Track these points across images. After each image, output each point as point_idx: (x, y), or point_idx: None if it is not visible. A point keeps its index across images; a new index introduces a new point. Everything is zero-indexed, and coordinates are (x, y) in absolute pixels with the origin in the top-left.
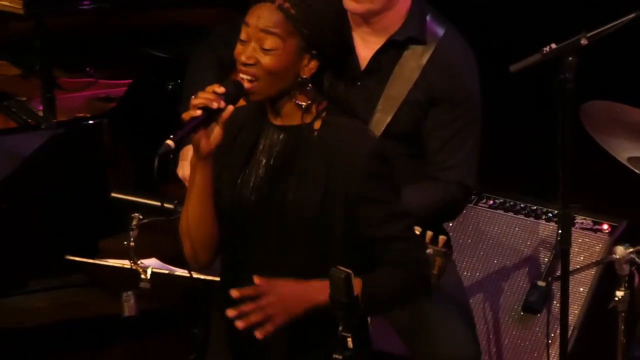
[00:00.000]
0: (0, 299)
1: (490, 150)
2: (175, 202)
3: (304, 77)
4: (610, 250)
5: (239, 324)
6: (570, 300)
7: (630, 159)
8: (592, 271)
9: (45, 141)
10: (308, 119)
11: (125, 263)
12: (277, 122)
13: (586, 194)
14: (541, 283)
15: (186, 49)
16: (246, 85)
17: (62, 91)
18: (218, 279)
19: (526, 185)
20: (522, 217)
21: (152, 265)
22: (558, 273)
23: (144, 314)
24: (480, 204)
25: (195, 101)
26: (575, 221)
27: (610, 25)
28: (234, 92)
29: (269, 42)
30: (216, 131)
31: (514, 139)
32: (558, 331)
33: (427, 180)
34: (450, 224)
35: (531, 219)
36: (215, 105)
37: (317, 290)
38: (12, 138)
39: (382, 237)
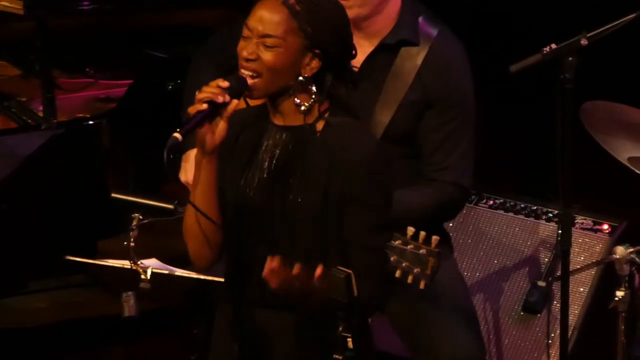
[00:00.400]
0: (1, 300)
1: (490, 150)
2: (175, 202)
3: (305, 76)
4: (610, 251)
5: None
6: (570, 301)
7: (630, 159)
8: (593, 271)
9: (45, 141)
10: (310, 120)
11: (125, 263)
12: (280, 122)
13: (586, 194)
14: (541, 283)
15: (186, 50)
16: (249, 81)
17: (62, 92)
18: (218, 279)
19: (526, 186)
20: (522, 217)
21: (152, 265)
22: (558, 273)
23: (144, 314)
24: (481, 204)
25: (200, 95)
26: (576, 221)
27: (610, 25)
28: (238, 87)
29: (271, 40)
30: (221, 126)
31: (514, 139)
32: (558, 331)
33: (423, 182)
34: (451, 224)
35: (531, 219)
36: (220, 99)
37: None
38: (12, 138)
39: (358, 244)
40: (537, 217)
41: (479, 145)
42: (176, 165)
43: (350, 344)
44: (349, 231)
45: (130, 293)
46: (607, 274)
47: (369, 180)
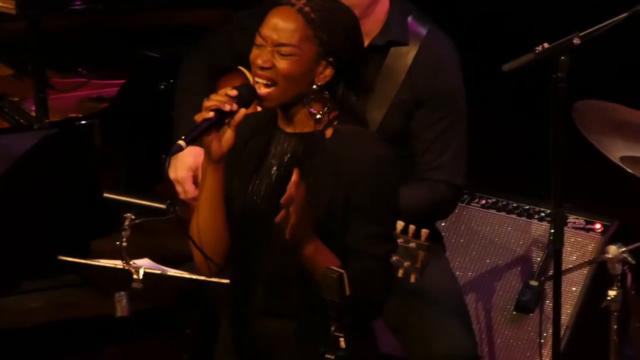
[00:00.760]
0: None
1: (483, 150)
2: (168, 202)
3: (319, 84)
4: (602, 250)
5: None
6: (562, 300)
7: (622, 158)
8: (585, 270)
9: (37, 141)
10: (320, 127)
11: (118, 263)
12: (289, 129)
13: (579, 193)
14: (534, 282)
15: (179, 50)
16: (262, 90)
17: (54, 91)
18: (210, 279)
19: (519, 185)
20: (514, 216)
21: (144, 265)
22: (550, 272)
23: (136, 314)
24: (473, 204)
25: (207, 103)
26: (568, 221)
27: (603, 24)
28: (247, 96)
29: (286, 48)
30: (228, 134)
31: (506, 139)
32: (551, 331)
33: (416, 181)
34: (443, 224)
35: (524, 218)
36: (227, 107)
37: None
38: (4, 138)
39: (360, 251)
40: (530, 216)
41: (471, 145)
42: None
43: (342, 344)
44: (352, 238)
45: (122, 293)
46: (600, 274)
47: (375, 188)
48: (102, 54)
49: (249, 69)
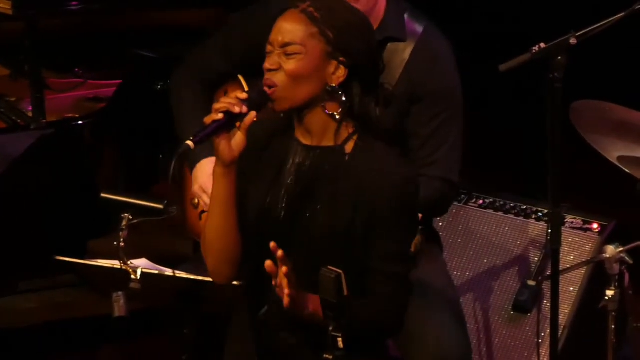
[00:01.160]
0: None
1: (480, 149)
2: (165, 202)
3: (332, 85)
4: (600, 250)
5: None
6: (560, 300)
7: (620, 158)
8: (582, 270)
9: (34, 142)
10: (339, 140)
11: (115, 263)
12: (307, 141)
13: (576, 193)
14: (531, 282)
15: (176, 50)
16: (268, 91)
17: (51, 92)
18: (208, 279)
19: (516, 185)
20: (512, 216)
21: (142, 265)
22: (548, 272)
23: (134, 314)
24: (470, 204)
25: (217, 105)
26: (565, 220)
27: (600, 24)
28: (258, 99)
29: (291, 47)
30: (239, 138)
31: (503, 139)
32: (548, 331)
33: None
34: (440, 224)
35: (521, 218)
36: (237, 109)
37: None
38: (1, 138)
39: (381, 270)
40: (527, 216)
41: (468, 145)
42: (180, 171)
43: (340, 344)
44: (372, 257)
45: (120, 293)
46: (597, 273)
47: (396, 208)
48: (98, 54)
49: (250, 74)
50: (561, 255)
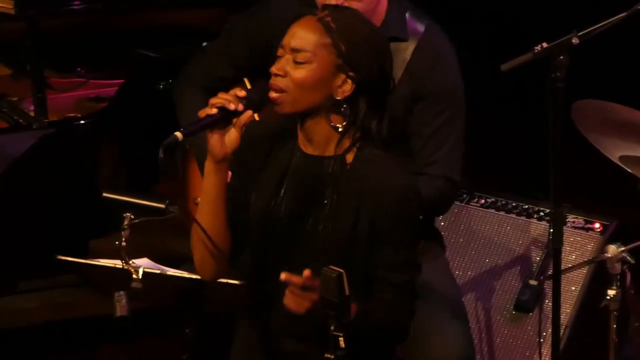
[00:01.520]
0: None
1: (482, 149)
2: (167, 201)
3: (338, 98)
4: (602, 249)
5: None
6: (562, 299)
7: (621, 158)
8: (584, 270)
9: (36, 141)
10: (340, 150)
11: (117, 263)
12: (308, 150)
13: (578, 192)
14: (533, 282)
15: (178, 50)
16: (272, 94)
17: (53, 91)
18: (217, 279)
19: (518, 184)
20: (513, 216)
21: (143, 265)
22: (550, 272)
23: (135, 314)
24: (472, 203)
25: (213, 100)
26: (567, 220)
27: (602, 24)
28: (257, 98)
29: (302, 56)
30: (232, 135)
31: (505, 138)
32: (550, 330)
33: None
34: (442, 223)
35: (523, 218)
36: (232, 106)
37: None
38: (3, 138)
39: (385, 279)
40: (529, 216)
41: (470, 145)
42: (172, 164)
43: (342, 343)
44: (376, 266)
45: (122, 293)
46: (599, 273)
47: (399, 218)
48: (100, 53)
49: (254, 76)
50: (563, 254)
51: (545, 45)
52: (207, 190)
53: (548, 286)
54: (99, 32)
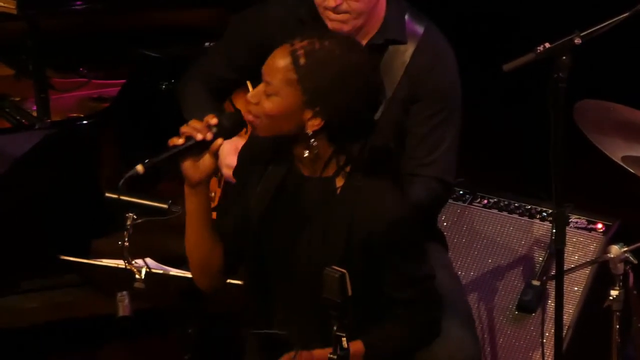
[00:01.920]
0: None
1: (484, 149)
2: (169, 201)
3: (307, 132)
4: (604, 250)
5: None
6: (564, 300)
7: (624, 158)
8: (587, 270)
9: (39, 141)
10: (329, 173)
11: (120, 263)
12: (302, 169)
13: (580, 193)
14: (536, 282)
15: (179, 50)
16: (248, 118)
17: (55, 91)
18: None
19: (520, 185)
20: (516, 216)
21: (146, 265)
22: (552, 272)
23: (138, 314)
24: (475, 204)
25: (183, 129)
26: (570, 220)
27: (604, 24)
28: (230, 126)
29: (270, 88)
30: (207, 161)
31: (508, 139)
32: (553, 330)
33: (408, 178)
34: (445, 224)
35: (525, 218)
36: (199, 137)
37: None
38: (5, 138)
39: (393, 297)
40: (531, 216)
41: (473, 145)
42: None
43: (345, 344)
44: (385, 288)
45: (124, 293)
46: (602, 273)
47: (394, 243)
48: (102, 53)
49: (256, 78)
50: (565, 255)
51: (547, 45)
52: (188, 210)
53: (551, 286)
54: (100, 32)
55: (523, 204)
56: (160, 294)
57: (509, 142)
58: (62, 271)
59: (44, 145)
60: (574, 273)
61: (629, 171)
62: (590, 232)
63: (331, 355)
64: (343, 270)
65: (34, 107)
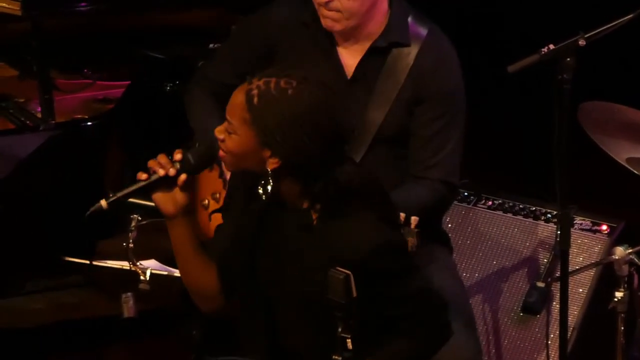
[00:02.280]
0: None
1: (489, 151)
2: None
3: (267, 169)
4: (609, 251)
5: None
6: (569, 301)
7: (628, 160)
8: (591, 272)
9: (43, 142)
10: (304, 205)
11: (125, 264)
12: (281, 198)
13: (585, 194)
14: (540, 284)
15: (184, 51)
16: (220, 153)
17: (60, 92)
18: None
19: (525, 186)
20: (521, 218)
21: (151, 266)
22: (557, 274)
23: (142, 315)
24: (479, 205)
25: (149, 163)
26: (574, 222)
27: (608, 25)
28: (195, 163)
29: (230, 126)
30: (178, 195)
31: (512, 140)
32: (557, 332)
33: (413, 180)
34: (449, 225)
35: (530, 219)
36: (161, 172)
37: None
38: (10, 139)
39: (397, 315)
40: (536, 217)
41: (478, 146)
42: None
43: (349, 345)
44: (379, 309)
45: (129, 294)
46: (606, 275)
47: (372, 274)
48: (107, 55)
49: None
50: (570, 256)
51: (551, 46)
52: (172, 243)
53: (555, 288)
54: (104, 33)
55: (528, 206)
56: (165, 295)
57: (512, 143)
58: (67, 272)
59: (48, 147)
60: (579, 275)
61: (634, 173)
62: (594, 233)
63: (335, 357)
64: (347, 272)
65: (39, 109)
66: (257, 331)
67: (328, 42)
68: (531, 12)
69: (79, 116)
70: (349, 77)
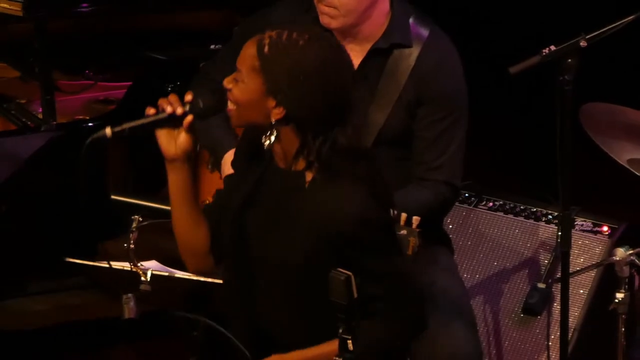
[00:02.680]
0: (0, 302)
1: (490, 152)
2: None
3: (271, 121)
4: (610, 252)
5: None
6: (570, 302)
7: (630, 161)
8: (592, 273)
9: (44, 143)
10: (300, 166)
11: (126, 265)
12: (279, 162)
13: (586, 195)
14: (541, 285)
15: (186, 52)
16: (229, 106)
17: (61, 93)
18: (218, 281)
19: (526, 187)
20: (522, 219)
21: (152, 267)
22: (558, 275)
23: (144, 316)
24: (480, 206)
25: (160, 101)
26: (575, 223)
27: (610, 26)
28: (204, 107)
29: (238, 74)
30: (182, 138)
31: (513, 141)
32: (558, 333)
33: (416, 182)
34: (450, 226)
35: (531, 221)
36: (169, 109)
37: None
38: (11, 140)
39: (373, 294)
40: (537, 219)
41: (479, 147)
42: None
43: (350, 346)
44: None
45: (130, 295)
46: (607, 276)
47: (354, 244)
48: (109, 56)
49: None
50: (571, 257)
51: (553, 48)
52: (169, 187)
53: (556, 289)
54: (107, 34)
55: (529, 207)
56: (166, 296)
57: (515, 145)
58: (69, 273)
59: (50, 148)
60: (580, 276)
61: (635, 174)
62: (596, 234)
63: (336, 358)
64: (348, 273)
65: (40, 109)
66: (238, 308)
67: None
68: (533, 13)
69: (81, 117)
70: None
